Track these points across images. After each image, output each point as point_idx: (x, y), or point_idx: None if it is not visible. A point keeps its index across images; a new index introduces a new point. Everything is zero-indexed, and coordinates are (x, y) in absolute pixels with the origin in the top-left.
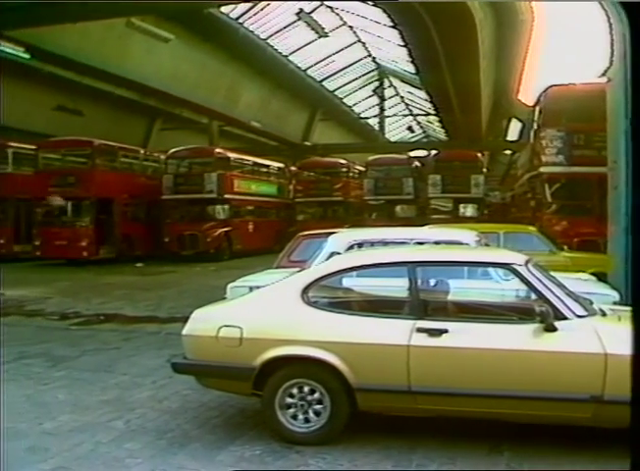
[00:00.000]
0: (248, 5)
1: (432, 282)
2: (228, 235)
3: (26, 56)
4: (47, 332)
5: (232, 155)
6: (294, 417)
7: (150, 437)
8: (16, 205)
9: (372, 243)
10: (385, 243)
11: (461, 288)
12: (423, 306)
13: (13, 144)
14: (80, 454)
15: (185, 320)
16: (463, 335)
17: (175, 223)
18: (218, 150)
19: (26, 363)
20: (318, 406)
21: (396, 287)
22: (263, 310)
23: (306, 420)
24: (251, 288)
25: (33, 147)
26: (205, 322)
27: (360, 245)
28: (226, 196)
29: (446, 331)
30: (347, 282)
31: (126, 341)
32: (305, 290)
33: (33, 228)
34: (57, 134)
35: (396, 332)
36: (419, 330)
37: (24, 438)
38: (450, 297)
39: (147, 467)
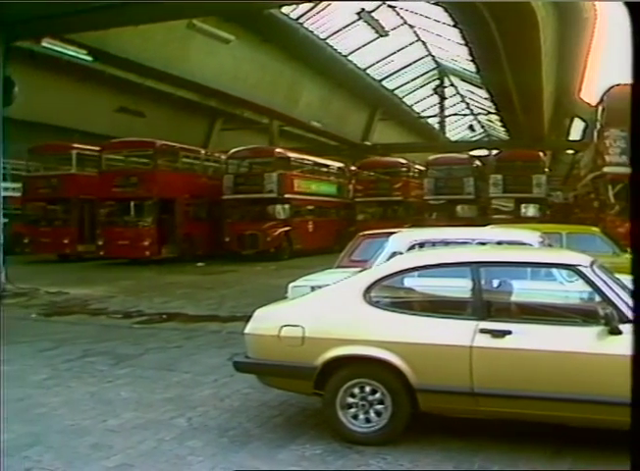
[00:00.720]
0: (309, 5)
1: (495, 282)
2: (288, 234)
3: (90, 59)
4: (111, 330)
5: (292, 155)
6: (355, 417)
7: (212, 435)
8: (80, 206)
9: (433, 243)
10: (446, 243)
11: (524, 289)
12: (486, 307)
13: (76, 146)
14: (143, 452)
15: (245, 319)
16: (527, 336)
17: (235, 222)
18: (278, 150)
19: (91, 361)
20: (379, 406)
21: (458, 287)
22: (325, 310)
23: (367, 420)
24: (313, 288)
25: (97, 149)
26: (267, 321)
27: (422, 245)
28: (286, 196)
29: (509, 332)
30: (409, 282)
31: (187, 340)
32: (367, 290)
33: (97, 228)
34: (119, 136)
35: (458, 332)
36: (482, 331)
37: (88, 434)
38: (513, 298)
39: (209, 465)
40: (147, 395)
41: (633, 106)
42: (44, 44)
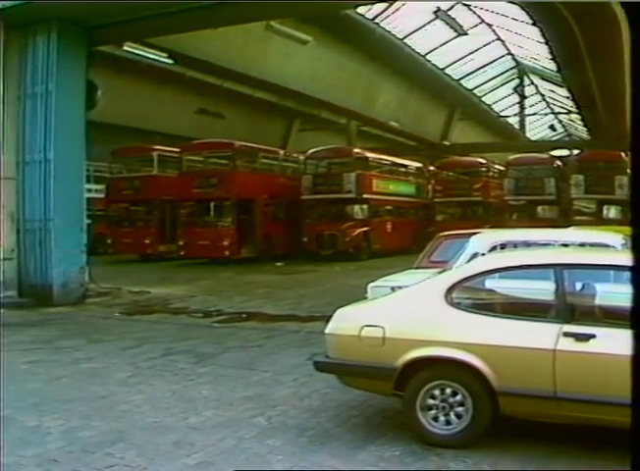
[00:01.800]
0: (385, 5)
1: (578, 285)
2: (366, 234)
3: (170, 62)
4: (191, 329)
5: (370, 155)
6: (435, 419)
7: (291, 434)
8: (161, 206)
9: (515, 245)
10: (528, 245)
11: (608, 292)
12: (570, 310)
13: (158, 148)
14: (224, 449)
15: (324, 319)
16: (611, 341)
17: (314, 222)
18: (356, 150)
19: (172, 359)
20: (460, 409)
21: (541, 289)
22: (406, 310)
23: (447, 422)
24: (393, 289)
25: (177, 150)
26: (348, 321)
27: (503, 246)
28: (364, 196)
29: (593, 336)
30: (491, 283)
31: (267, 339)
32: (449, 291)
33: (177, 228)
34: (199, 137)
35: (541, 336)
36: (566, 334)
37: (170, 432)
38: (597, 301)
39: (288, 464)
40: (228, 394)
41: (633, 105)
42: (126, 48)
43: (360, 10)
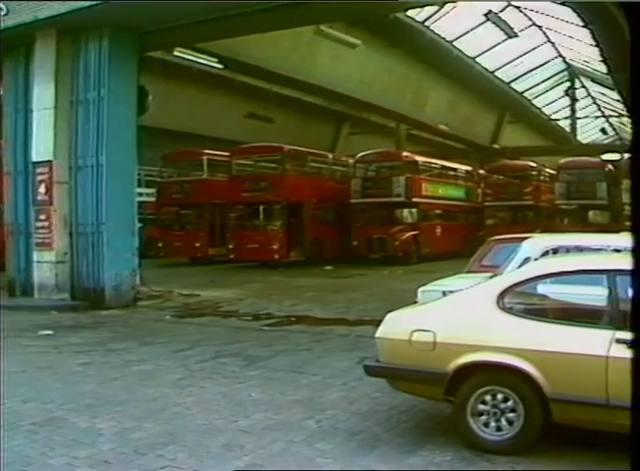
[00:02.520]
0: (435, 8)
1: (631, 291)
2: (416, 238)
3: (220, 67)
4: (241, 332)
5: (419, 158)
6: (486, 425)
7: (341, 438)
8: (210, 210)
9: (567, 249)
10: (580, 250)
11: None
12: (623, 316)
13: (208, 152)
14: (274, 452)
15: (374, 323)
16: None
17: (363, 226)
18: (406, 154)
19: (222, 362)
20: (511, 415)
21: (593, 295)
22: (457, 315)
23: (498, 428)
24: (444, 293)
25: (227, 154)
26: (398, 325)
27: (555, 251)
28: (414, 200)
29: None
30: (543, 288)
31: (316, 343)
32: (501, 296)
33: (227, 231)
34: (249, 141)
35: (594, 342)
36: (619, 341)
37: (220, 434)
38: None
39: (338, 467)
40: (277, 397)
41: (634, 105)
42: (176, 53)
43: (410, 13)
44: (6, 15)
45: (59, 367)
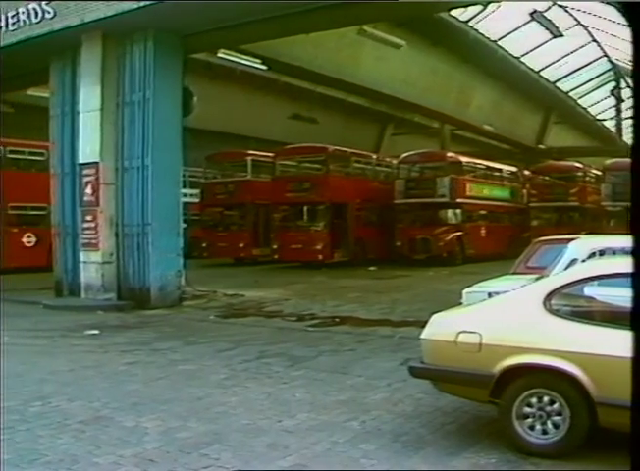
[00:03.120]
0: (479, 7)
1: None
2: (460, 239)
3: (264, 68)
4: (285, 332)
5: (463, 159)
6: (532, 427)
7: (385, 439)
8: (254, 210)
9: (614, 251)
10: (627, 252)
11: None
12: None
13: (251, 153)
14: (318, 453)
15: (418, 324)
16: None
17: (407, 227)
18: (450, 154)
19: (266, 362)
20: (557, 418)
21: None
22: (503, 317)
23: (544, 431)
24: (490, 294)
25: (271, 155)
26: (444, 326)
27: (602, 253)
28: (458, 200)
29: None
30: (590, 290)
31: (360, 344)
32: (547, 298)
33: (271, 232)
34: (293, 142)
35: None
36: None
37: (264, 434)
38: None
39: (382, 468)
40: (321, 397)
41: (634, 105)
42: (220, 55)
43: (454, 12)
44: (53, 18)
45: (105, 366)
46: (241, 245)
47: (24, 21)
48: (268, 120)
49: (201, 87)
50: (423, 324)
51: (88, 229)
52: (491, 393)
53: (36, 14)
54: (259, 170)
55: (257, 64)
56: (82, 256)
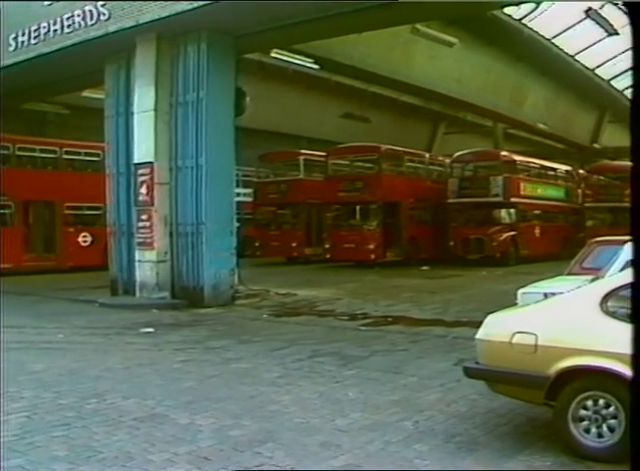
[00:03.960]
0: (533, 5)
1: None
2: (514, 239)
3: (316, 67)
4: (338, 331)
5: (517, 158)
6: (587, 431)
7: (438, 439)
8: (307, 210)
9: None
10: None
11: None
12: None
13: (304, 152)
14: (371, 452)
15: (471, 324)
16: None
17: (460, 226)
18: (504, 153)
19: (319, 361)
20: (612, 421)
21: None
22: (559, 318)
23: (599, 435)
24: (546, 295)
25: (323, 154)
26: (499, 327)
27: None
28: (512, 200)
29: None
30: None
31: (413, 343)
32: (604, 300)
33: (323, 231)
34: (345, 141)
35: None
36: None
37: (317, 433)
38: None
39: (435, 469)
40: (374, 397)
41: (633, 105)
42: (273, 55)
43: (507, 10)
44: (108, 20)
45: (159, 364)
46: (294, 244)
47: (79, 23)
48: (320, 119)
49: (254, 87)
50: (477, 324)
51: (143, 228)
52: (546, 395)
53: (92, 16)
54: (311, 169)
55: (310, 63)
56: (137, 255)
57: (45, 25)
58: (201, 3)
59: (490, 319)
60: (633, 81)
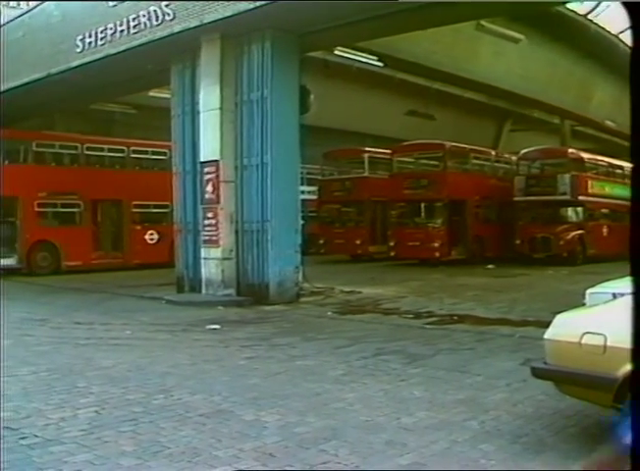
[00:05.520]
0: (595, 2)
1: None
2: (581, 238)
3: (380, 64)
4: (402, 330)
5: (585, 156)
6: None
7: (504, 440)
8: (371, 207)
9: None
10: None
11: None
12: None
13: (368, 150)
14: (436, 452)
15: (538, 324)
16: None
17: (526, 225)
18: (571, 151)
19: (384, 359)
20: None
21: None
22: (629, 318)
23: None
24: (615, 295)
25: (387, 152)
26: (568, 327)
27: None
28: (579, 198)
29: None
30: None
31: (479, 342)
32: None
33: (388, 229)
34: (409, 138)
35: None
36: None
37: (382, 431)
38: None
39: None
40: (440, 396)
41: (633, 106)
42: (337, 53)
43: (572, 6)
44: (173, 20)
45: (225, 361)
46: (358, 242)
47: (144, 23)
48: (384, 116)
49: (318, 85)
50: (543, 324)
51: (209, 226)
52: (614, 398)
53: (157, 16)
54: (376, 167)
55: (373, 61)
56: (203, 252)
57: (112, 26)
58: (262, 2)
59: (559, 319)
60: (633, 81)
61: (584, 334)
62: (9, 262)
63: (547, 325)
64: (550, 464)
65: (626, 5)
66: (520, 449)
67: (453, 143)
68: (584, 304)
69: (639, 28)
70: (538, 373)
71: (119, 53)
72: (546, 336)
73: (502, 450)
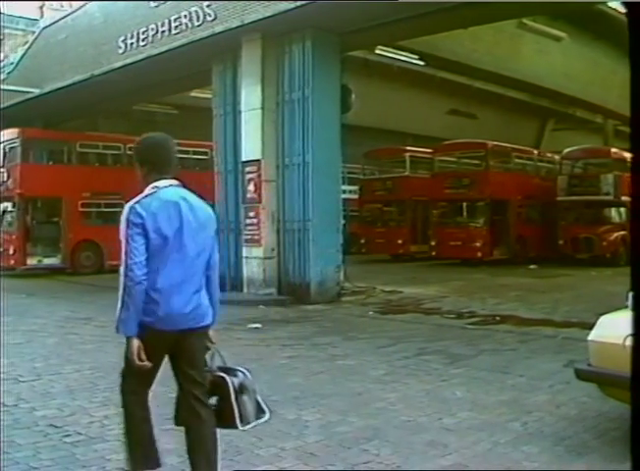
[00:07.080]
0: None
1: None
2: (624, 239)
3: (421, 63)
4: (444, 330)
5: (629, 155)
6: None
7: (547, 442)
8: (413, 207)
9: None
10: None
11: None
12: None
13: (410, 149)
14: (478, 453)
15: (582, 325)
16: None
17: (569, 225)
18: (614, 150)
19: (426, 359)
20: None
21: None
22: None
23: None
24: None
25: (428, 151)
26: (612, 329)
27: None
28: (623, 199)
29: None
30: None
31: (521, 343)
32: None
33: (429, 228)
34: (450, 138)
35: None
36: None
37: (424, 432)
38: None
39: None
40: (482, 397)
41: (633, 106)
42: (377, 52)
43: (612, 5)
44: (214, 21)
45: (267, 359)
46: (399, 242)
47: (186, 24)
48: (425, 116)
49: (359, 84)
50: (587, 325)
51: (251, 225)
52: None
53: (198, 17)
54: (417, 166)
55: (414, 60)
56: (245, 251)
57: (153, 26)
58: (302, 2)
59: (603, 320)
60: (632, 81)
61: (628, 336)
62: (53, 261)
63: (590, 326)
64: (593, 467)
65: (626, 5)
66: (563, 452)
67: (496, 142)
68: (627, 306)
69: (639, 28)
70: (581, 375)
71: (160, 54)
72: (590, 337)
73: (544, 452)
